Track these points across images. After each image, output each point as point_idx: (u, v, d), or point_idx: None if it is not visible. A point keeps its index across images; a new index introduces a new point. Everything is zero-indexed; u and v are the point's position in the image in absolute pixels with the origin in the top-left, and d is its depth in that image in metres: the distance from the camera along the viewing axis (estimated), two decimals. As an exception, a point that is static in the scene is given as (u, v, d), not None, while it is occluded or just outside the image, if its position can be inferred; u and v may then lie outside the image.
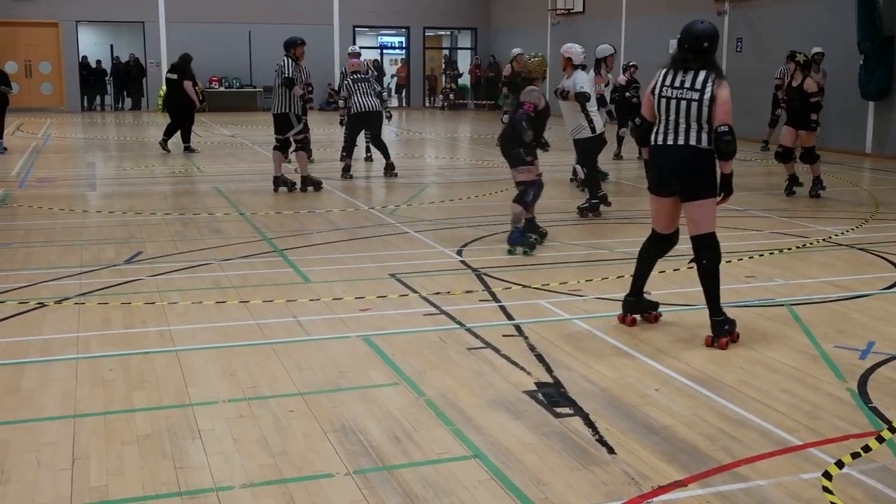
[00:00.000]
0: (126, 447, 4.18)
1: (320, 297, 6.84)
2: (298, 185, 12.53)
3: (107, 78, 31.86)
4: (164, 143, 17.80)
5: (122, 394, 4.87)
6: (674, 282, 7.44)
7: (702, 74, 5.66)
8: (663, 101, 5.75)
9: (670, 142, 5.76)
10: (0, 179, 13.76)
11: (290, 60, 12.19)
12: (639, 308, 6.23)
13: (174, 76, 17.65)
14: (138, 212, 10.78)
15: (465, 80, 34.46)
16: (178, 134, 17.94)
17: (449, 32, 36.75)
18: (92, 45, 32.21)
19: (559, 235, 9.34)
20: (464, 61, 34.95)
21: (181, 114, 17.67)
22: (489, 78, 32.45)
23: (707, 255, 5.82)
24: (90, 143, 20.26)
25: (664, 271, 7.75)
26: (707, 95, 5.60)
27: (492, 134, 22.89)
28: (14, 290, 7.04)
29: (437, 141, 21.48)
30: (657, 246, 6.19)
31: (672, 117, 5.73)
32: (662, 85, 5.77)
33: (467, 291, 7.02)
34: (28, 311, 6.45)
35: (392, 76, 36.02)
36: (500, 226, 9.79)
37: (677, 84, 5.70)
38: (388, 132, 22.38)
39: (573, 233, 9.55)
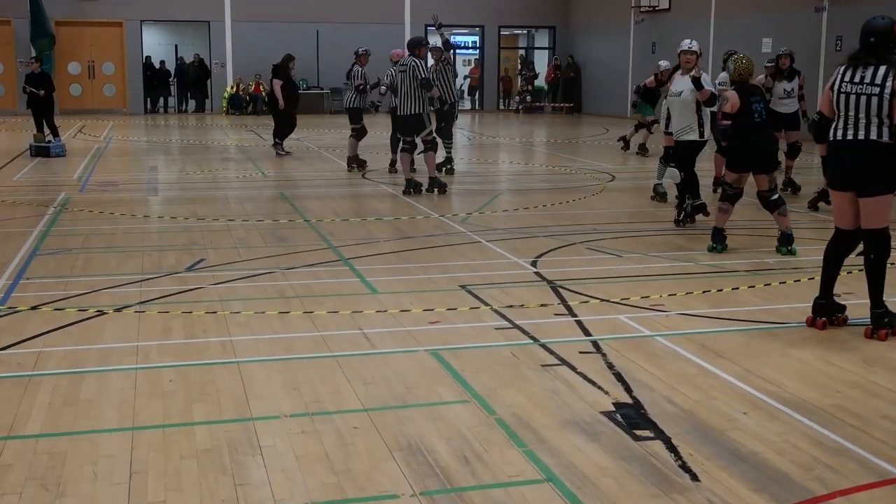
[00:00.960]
0: (185, 462, 4.25)
1: (387, 308, 6.88)
2: (425, 187, 12.94)
3: (170, 79, 32.55)
4: (276, 147, 18.17)
5: (182, 406, 4.95)
6: (763, 298, 7.31)
7: (882, 69, 6.00)
8: (843, 96, 6.11)
9: (850, 137, 6.11)
10: (61, 183, 14.13)
11: (419, 61, 12.78)
12: (830, 310, 6.39)
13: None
14: (200, 217, 10.98)
15: (541, 81, 34.37)
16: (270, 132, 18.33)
17: (525, 31, 36.75)
18: (156, 45, 32.97)
19: (640, 246, 9.25)
20: (541, 61, 34.87)
21: (275, 113, 18.04)
22: (570, 78, 32.34)
23: (876, 249, 6.13)
24: (152, 147, 20.71)
25: (754, 286, 7.62)
26: (887, 90, 5.94)
27: (570, 139, 22.79)
28: (73, 296, 7.22)
29: (511, 146, 21.47)
30: (842, 244, 6.37)
31: (852, 113, 6.08)
32: (842, 81, 6.13)
33: (542, 305, 6.99)
34: (87, 318, 6.61)
35: (465, 77, 36.12)
36: (578, 235, 9.74)
37: (857, 80, 6.06)
38: (460, 135, 22.43)
39: (655, 244, 9.45)
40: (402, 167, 13.34)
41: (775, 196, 8.86)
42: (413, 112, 12.76)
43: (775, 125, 11.48)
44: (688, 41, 10.32)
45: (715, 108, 9.61)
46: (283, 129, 18.18)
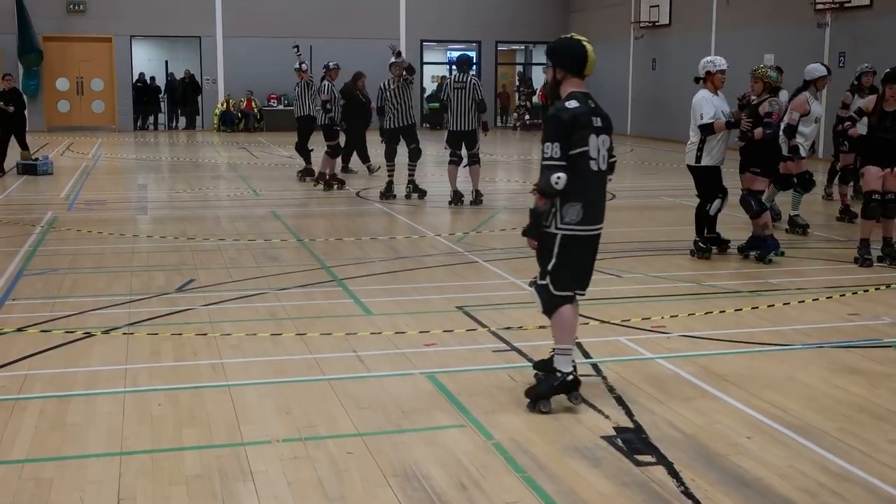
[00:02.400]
0: (174, 488, 4.24)
1: (382, 330, 6.87)
2: (471, 199, 13.77)
3: (161, 95, 32.62)
4: (367, 167, 17.98)
5: (171, 431, 4.94)
6: (767, 319, 7.31)
7: None
8: None
9: None
10: (48, 202, 14.14)
11: (478, 80, 13.80)
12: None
13: None
14: (191, 237, 10.98)
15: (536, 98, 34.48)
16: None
17: (523, 47, 36.90)
18: (146, 61, 33.08)
19: (640, 267, 9.26)
20: (539, 78, 35.01)
21: (347, 132, 17.53)
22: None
23: None
24: (142, 164, 20.73)
25: (757, 307, 7.63)
26: None
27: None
28: (60, 318, 7.21)
29: (508, 163, 21.52)
30: None
31: None
32: None
33: (540, 327, 6.99)
34: (75, 340, 6.60)
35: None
36: (576, 256, 9.73)
37: None
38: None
39: (657, 264, 9.46)
40: (449, 179, 13.99)
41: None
42: (469, 128, 13.57)
43: (854, 148, 11.32)
44: (720, 59, 9.57)
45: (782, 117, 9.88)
46: (351, 148, 17.87)
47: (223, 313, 7.41)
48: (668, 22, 27.66)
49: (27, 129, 18.42)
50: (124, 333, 6.79)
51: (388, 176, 14.44)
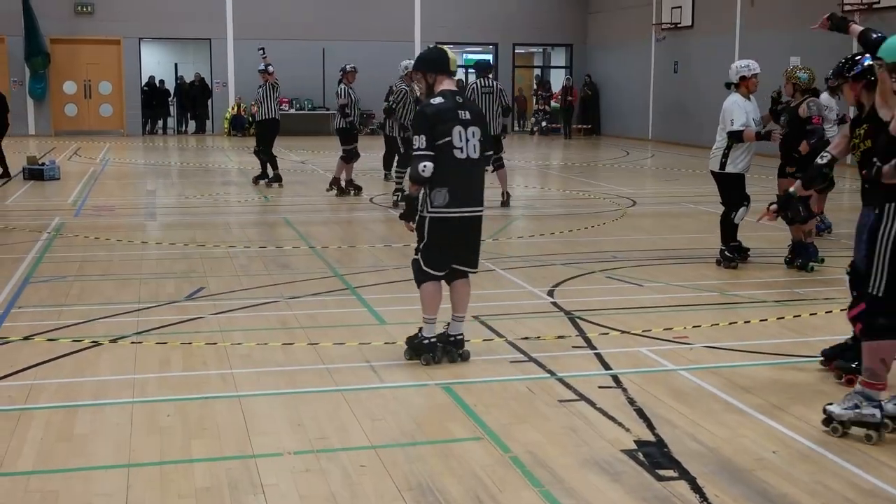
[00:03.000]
0: (183, 501, 4.25)
1: (396, 340, 6.87)
2: (502, 200, 14.27)
3: (170, 99, 32.75)
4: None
5: (180, 442, 4.96)
6: (792, 329, 7.29)
7: None
8: None
9: None
10: (55, 207, 14.21)
11: (501, 86, 14.63)
12: None
13: None
14: (200, 244, 11.02)
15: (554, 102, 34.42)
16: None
17: (541, 49, 36.91)
18: (155, 63, 33.25)
19: (662, 275, 9.24)
20: (557, 81, 35.01)
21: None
22: (587, 99, 32.34)
23: None
24: (151, 169, 20.82)
25: (783, 318, 7.60)
26: None
27: (589, 162, 22.85)
28: (68, 326, 7.24)
29: (526, 169, 21.52)
30: None
31: None
32: None
33: (559, 337, 6.98)
34: (82, 349, 6.63)
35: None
36: (597, 263, 9.74)
37: None
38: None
39: (679, 273, 9.44)
40: (500, 182, 14.47)
41: None
42: (496, 132, 13.93)
43: None
44: (754, 63, 9.58)
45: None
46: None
47: (233, 322, 7.43)
48: (690, 24, 27.62)
49: (6, 134, 18.19)
50: (133, 342, 6.82)
51: (397, 183, 14.45)
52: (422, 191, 6.21)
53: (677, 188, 17.32)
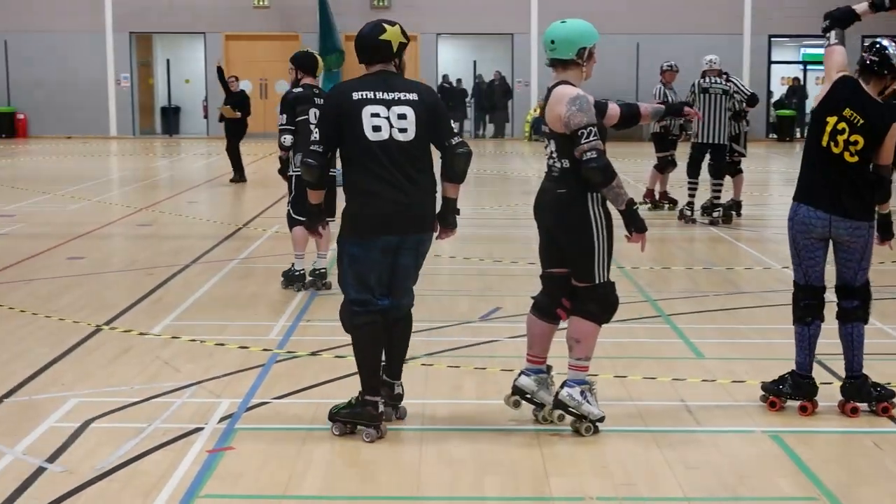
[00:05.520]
0: (474, 542, 4.35)
1: (716, 377, 6.75)
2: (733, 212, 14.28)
3: (467, 99, 33.62)
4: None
5: (472, 477, 5.09)
6: None
7: None
8: None
9: None
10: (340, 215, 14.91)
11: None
12: None
13: None
14: (497, 259, 11.25)
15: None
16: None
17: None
18: (452, 61, 34.25)
19: None
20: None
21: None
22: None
23: None
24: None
25: None
26: None
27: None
28: (356, 343, 7.59)
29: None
30: None
31: None
32: None
33: (915, 384, 6.60)
34: (370, 369, 6.92)
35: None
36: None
37: None
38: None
39: None
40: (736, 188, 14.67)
41: None
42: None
43: None
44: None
45: None
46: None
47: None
48: None
49: (243, 136, 19.55)
50: (423, 364, 7.06)
51: (690, 196, 14.18)
52: None
53: None
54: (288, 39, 31.17)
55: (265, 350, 7.41)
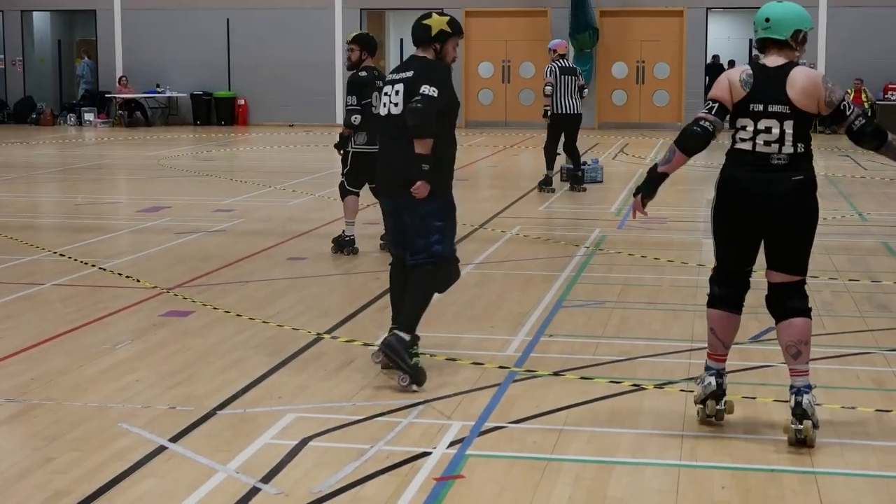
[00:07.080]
0: None
1: None
2: None
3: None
4: None
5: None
6: None
7: None
8: None
9: None
10: (596, 217, 14.96)
11: None
12: None
13: None
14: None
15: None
16: None
17: None
18: (724, 40, 33.72)
19: None
20: None
21: None
22: None
23: None
24: (704, 174, 21.11)
25: None
26: None
27: None
28: (605, 363, 7.62)
29: None
30: None
31: None
32: None
33: None
34: (621, 393, 6.93)
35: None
36: None
37: None
38: None
39: None
40: None
41: None
42: None
43: None
44: None
45: None
46: None
47: (813, 376, 7.33)
48: None
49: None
50: (682, 390, 6.98)
51: None
52: None
53: None
54: (535, 16, 31.26)
55: (501, 367, 7.49)
